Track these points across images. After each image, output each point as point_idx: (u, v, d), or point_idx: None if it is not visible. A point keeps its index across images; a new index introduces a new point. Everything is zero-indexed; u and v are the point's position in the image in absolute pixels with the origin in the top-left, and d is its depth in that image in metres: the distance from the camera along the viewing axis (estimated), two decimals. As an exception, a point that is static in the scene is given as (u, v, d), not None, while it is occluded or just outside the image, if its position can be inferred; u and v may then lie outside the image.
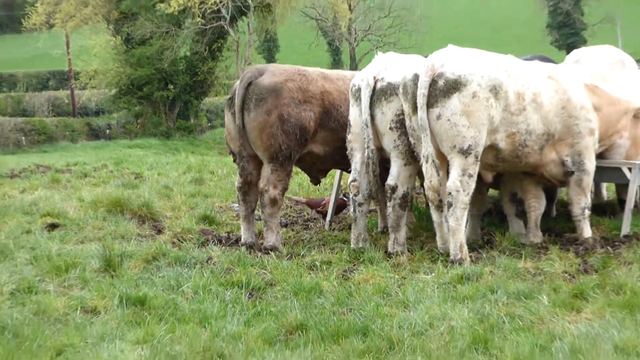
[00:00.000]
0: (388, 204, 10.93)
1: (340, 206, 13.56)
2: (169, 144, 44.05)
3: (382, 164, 11.08)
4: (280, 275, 9.69)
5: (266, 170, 11.35)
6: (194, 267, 10.13)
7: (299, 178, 17.75)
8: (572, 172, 10.93)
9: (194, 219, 13.28)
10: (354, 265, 10.37)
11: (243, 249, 11.20)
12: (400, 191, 10.83)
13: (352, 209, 11.27)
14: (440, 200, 10.38)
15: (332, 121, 11.55)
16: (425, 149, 10.15)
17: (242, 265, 10.16)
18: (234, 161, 11.95)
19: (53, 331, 7.81)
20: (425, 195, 10.85)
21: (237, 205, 13.78)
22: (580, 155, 10.91)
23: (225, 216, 14.03)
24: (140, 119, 48.96)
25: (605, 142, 11.48)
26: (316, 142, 11.61)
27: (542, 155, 10.78)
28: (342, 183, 13.70)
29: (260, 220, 12.20)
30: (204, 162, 25.09)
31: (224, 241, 11.89)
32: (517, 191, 11.55)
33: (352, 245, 11.21)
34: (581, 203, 11.03)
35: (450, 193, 10.17)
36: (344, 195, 13.71)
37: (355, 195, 11.13)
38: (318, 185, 13.50)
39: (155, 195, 15.42)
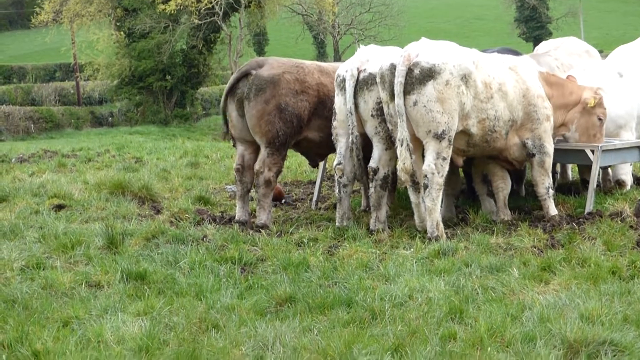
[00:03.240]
0: (370, 185, 10.89)
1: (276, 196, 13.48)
2: (167, 130, 44.03)
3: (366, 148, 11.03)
4: (271, 252, 9.64)
5: (263, 153, 11.29)
6: (191, 245, 10.07)
7: (288, 161, 17.68)
8: (534, 154, 10.89)
9: (190, 199, 13.19)
10: (339, 241, 10.32)
11: (236, 227, 11.13)
12: (381, 173, 10.77)
13: (337, 190, 11.21)
14: (414, 181, 10.34)
15: (327, 110, 11.47)
16: (401, 134, 10.07)
17: (235, 242, 10.11)
18: (234, 146, 11.94)
19: (60, 304, 7.81)
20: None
21: (231, 186, 13.73)
22: (540, 139, 10.88)
23: (219, 197, 13.94)
24: (140, 108, 48.90)
25: (554, 132, 11.38)
26: (311, 129, 11.56)
27: (507, 140, 10.76)
28: (327, 166, 13.67)
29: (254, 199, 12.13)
30: (199, 147, 25.03)
31: (218, 220, 11.81)
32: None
33: (337, 224, 11.14)
34: (545, 183, 10.99)
35: (425, 175, 10.11)
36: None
37: (340, 177, 11.07)
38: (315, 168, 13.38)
39: (154, 178, 15.34)
